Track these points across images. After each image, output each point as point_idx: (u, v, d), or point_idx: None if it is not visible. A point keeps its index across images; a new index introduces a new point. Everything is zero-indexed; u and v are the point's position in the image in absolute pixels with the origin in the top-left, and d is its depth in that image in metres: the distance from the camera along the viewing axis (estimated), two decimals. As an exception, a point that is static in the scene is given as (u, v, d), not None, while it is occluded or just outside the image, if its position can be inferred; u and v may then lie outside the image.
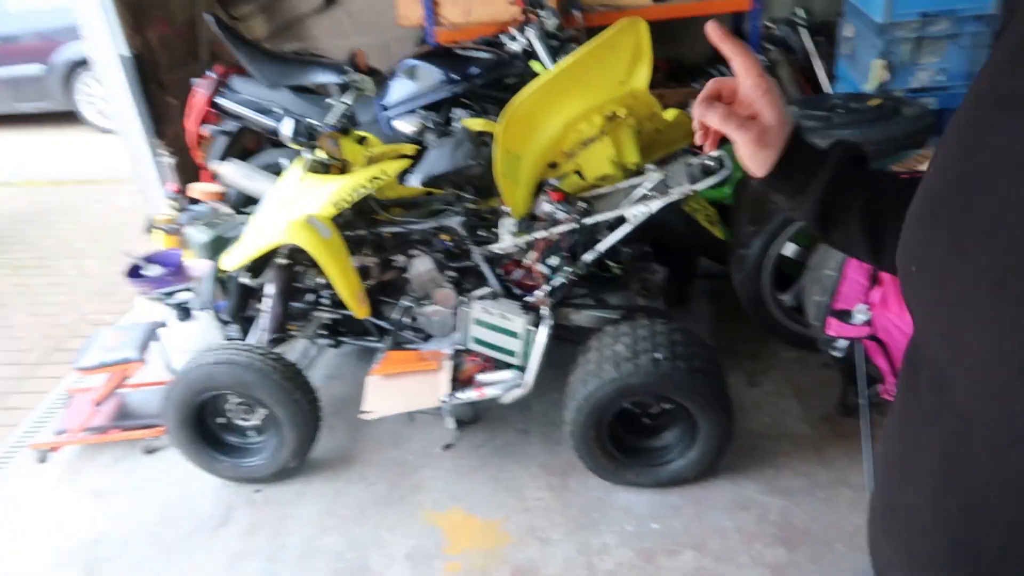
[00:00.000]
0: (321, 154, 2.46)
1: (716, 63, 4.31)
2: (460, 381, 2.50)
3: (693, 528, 2.27)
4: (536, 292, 2.48)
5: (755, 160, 0.84)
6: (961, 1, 3.20)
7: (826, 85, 4.04)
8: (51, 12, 6.81)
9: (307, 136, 2.39)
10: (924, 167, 2.34)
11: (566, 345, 2.58)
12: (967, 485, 0.60)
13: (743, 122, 0.81)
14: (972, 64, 3.32)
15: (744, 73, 0.81)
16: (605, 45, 2.42)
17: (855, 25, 3.65)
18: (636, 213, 2.38)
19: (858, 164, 0.84)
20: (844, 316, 2.19)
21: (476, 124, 2.83)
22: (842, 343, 2.25)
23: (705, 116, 0.83)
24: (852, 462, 2.41)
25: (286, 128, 2.35)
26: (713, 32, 0.79)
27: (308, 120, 2.45)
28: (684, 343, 2.27)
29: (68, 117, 7.19)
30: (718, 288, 3.27)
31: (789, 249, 2.71)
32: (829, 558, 2.13)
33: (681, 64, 4.44)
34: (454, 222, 2.57)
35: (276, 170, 3.36)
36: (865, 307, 2.21)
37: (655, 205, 2.36)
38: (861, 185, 0.82)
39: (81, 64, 6.65)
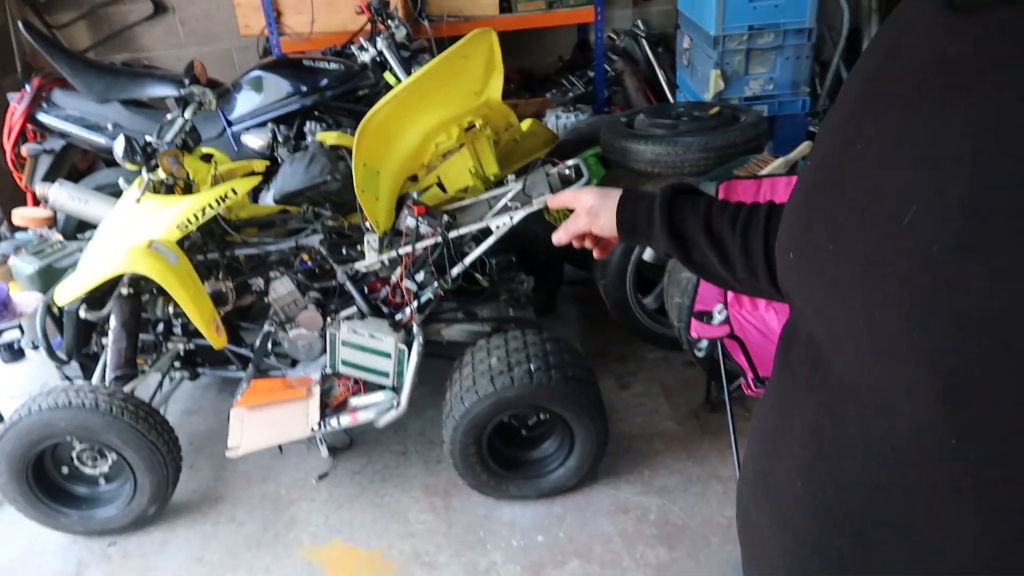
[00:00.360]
0: (161, 173, 2.29)
1: (564, 72, 4.42)
2: (331, 407, 2.40)
3: (577, 536, 2.29)
4: (405, 309, 2.43)
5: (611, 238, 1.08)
6: (783, 15, 3.44)
7: (669, 94, 4.24)
8: None
9: (144, 154, 2.21)
10: (765, 170, 2.47)
11: (439, 361, 2.54)
12: (836, 452, 0.64)
13: (594, 240, 1.11)
14: (796, 74, 3.58)
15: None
16: (457, 55, 2.41)
17: (691, 37, 3.85)
18: (500, 224, 2.38)
19: (687, 197, 0.99)
20: (704, 317, 2.29)
21: (330, 138, 2.74)
22: (704, 343, 2.35)
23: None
24: (721, 456, 2.52)
25: (119, 146, 2.16)
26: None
27: (145, 137, 2.27)
28: (556, 352, 2.29)
29: None
30: (584, 293, 3.34)
31: (649, 254, 2.81)
32: (706, 552, 2.22)
33: (532, 74, 4.52)
34: (313, 241, 2.47)
35: (114, 191, 3.10)
36: (722, 307, 2.32)
37: (518, 215, 2.37)
38: (695, 214, 0.96)
39: None
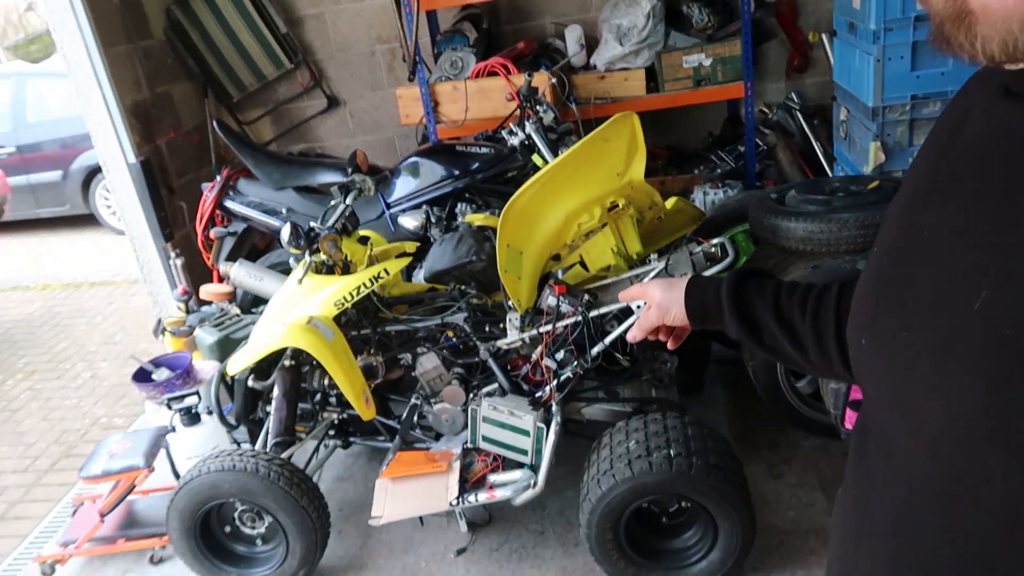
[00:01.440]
0: (322, 256, 2.48)
1: (714, 147, 4.37)
2: (470, 482, 2.43)
3: (719, 634, 2.15)
4: (544, 387, 2.44)
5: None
6: (950, 83, 3.25)
7: (826, 168, 4.08)
8: (69, 120, 7.06)
9: (307, 239, 2.41)
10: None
11: (580, 440, 2.52)
12: (921, 545, 0.62)
13: (668, 331, 1.12)
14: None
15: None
16: (599, 139, 2.46)
17: (848, 108, 3.71)
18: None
19: (754, 280, 0.98)
20: (860, 406, 2.13)
21: (478, 219, 2.85)
22: (861, 432, 2.18)
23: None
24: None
25: (285, 233, 2.37)
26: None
27: (310, 223, 2.47)
28: (699, 437, 2.21)
29: (86, 220, 7.35)
30: (732, 374, 3.21)
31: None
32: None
33: (680, 151, 4.51)
34: (458, 318, 2.55)
35: (286, 269, 3.38)
36: (882, 393, 2.15)
37: (660, 295, 2.34)
38: (763, 297, 0.95)
39: (99, 170, 6.84)
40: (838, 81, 3.84)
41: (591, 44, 4.06)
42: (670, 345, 1.14)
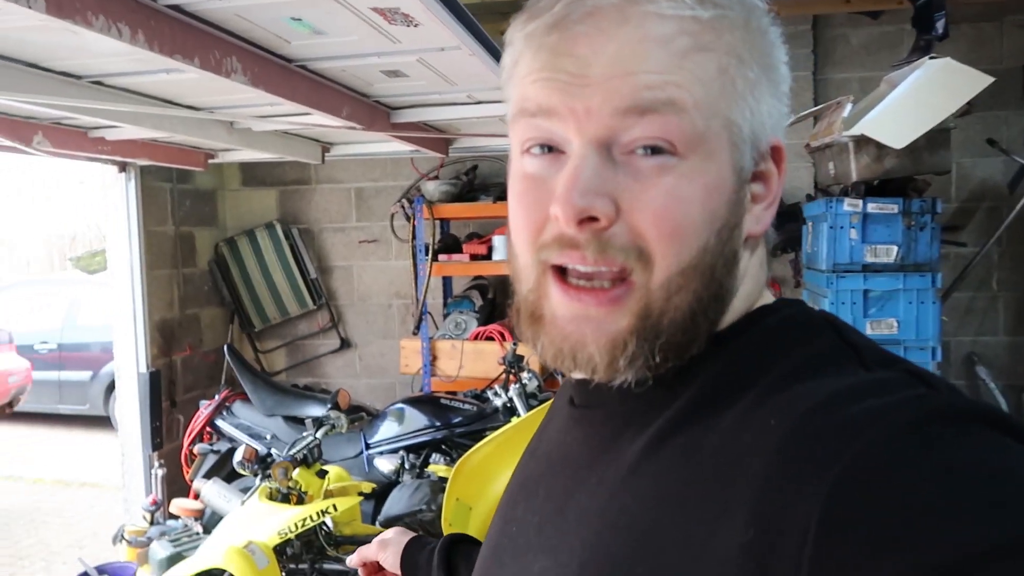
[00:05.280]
0: (275, 482, 2.58)
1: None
2: None
3: None
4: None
5: None
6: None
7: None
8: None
9: (261, 464, 2.53)
10: None
11: None
12: None
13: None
14: None
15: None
16: (555, 411, 2.62)
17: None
18: None
19: (465, 547, 0.99)
20: None
21: (440, 470, 2.96)
22: None
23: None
24: None
25: (238, 454, 2.50)
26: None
27: (271, 449, 2.61)
28: None
29: (102, 421, 7.57)
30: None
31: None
32: None
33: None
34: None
35: (253, 494, 3.45)
36: None
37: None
38: (468, 565, 0.95)
39: (123, 375, 7.20)
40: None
41: (585, 324, 4.39)
42: None
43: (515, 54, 0.59)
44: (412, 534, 1.07)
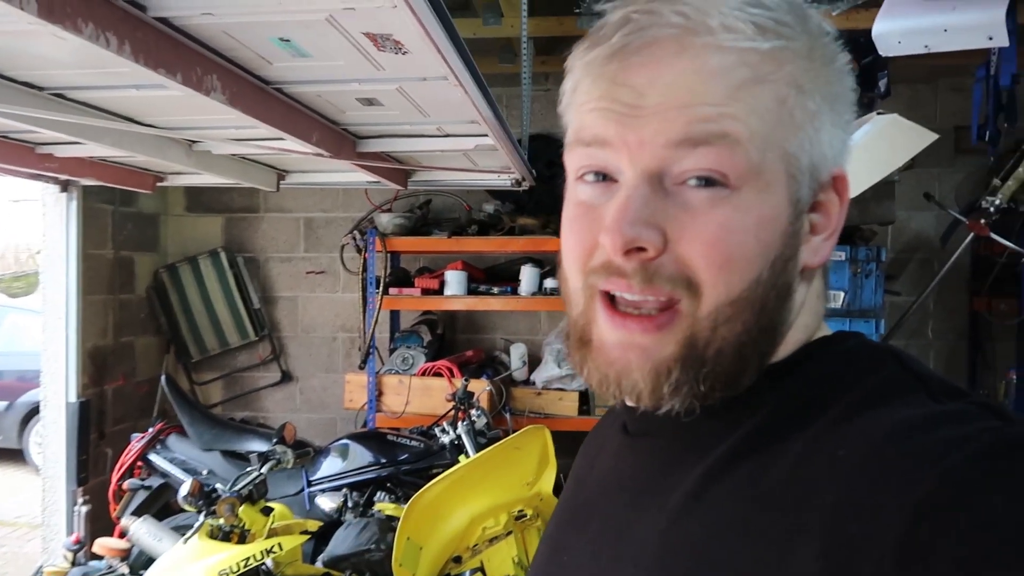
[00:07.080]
0: (220, 519, 2.47)
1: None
2: None
3: None
4: None
5: None
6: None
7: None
8: (36, 355, 7.18)
9: (206, 499, 2.42)
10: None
11: None
12: None
13: None
14: None
15: None
16: (511, 446, 2.60)
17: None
18: None
19: None
20: None
21: (388, 508, 2.88)
22: None
23: None
24: None
25: (184, 488, 2.39)
26: None
27: (215, 484, 2.50)
28: None
29: (13, 455, 7.14)
30: None
31: None
32: None
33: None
34: (344, 610, 2.47)
35: (188, 532, 3.28)
36: None
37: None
38: None
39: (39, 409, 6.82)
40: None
41: (534, 362, 4.38)
42: None
43: (574, 81, 0.60)
44: None
